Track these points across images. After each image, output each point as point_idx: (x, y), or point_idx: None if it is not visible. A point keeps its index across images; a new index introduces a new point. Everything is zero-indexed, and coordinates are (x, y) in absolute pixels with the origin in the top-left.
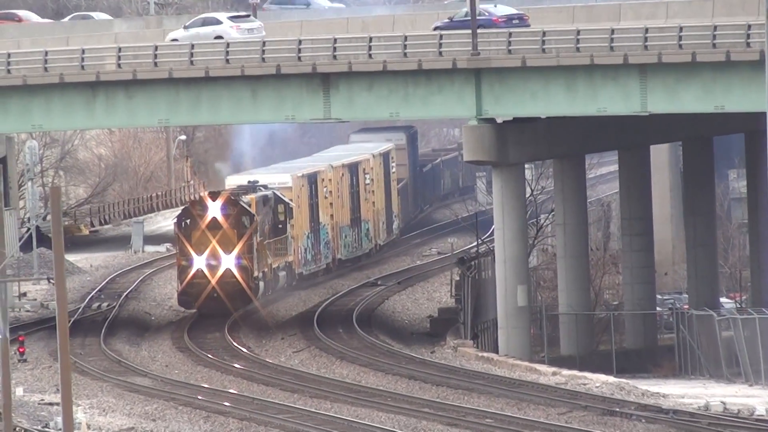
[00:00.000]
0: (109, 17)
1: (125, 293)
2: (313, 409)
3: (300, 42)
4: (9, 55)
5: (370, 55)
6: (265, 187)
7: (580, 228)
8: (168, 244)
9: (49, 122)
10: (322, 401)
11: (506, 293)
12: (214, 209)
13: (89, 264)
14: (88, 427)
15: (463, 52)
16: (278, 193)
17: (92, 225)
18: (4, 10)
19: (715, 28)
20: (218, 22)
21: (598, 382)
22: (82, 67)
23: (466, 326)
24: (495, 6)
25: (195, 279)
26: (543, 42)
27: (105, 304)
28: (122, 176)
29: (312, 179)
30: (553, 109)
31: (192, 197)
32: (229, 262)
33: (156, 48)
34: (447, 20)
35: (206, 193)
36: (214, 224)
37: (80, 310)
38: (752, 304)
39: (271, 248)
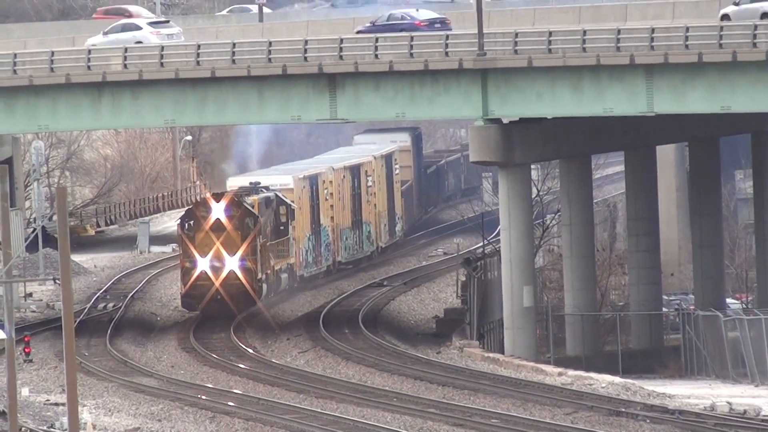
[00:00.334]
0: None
1: (131, 294)
2: (318, 410)
3: (306, 42)
4: (15, 55)
5: (376, 56)
6: (267, 188)
7: (586, 228)
8: (174, 245)
9: (55, 123)
10: (327, 401)
11: (512, 294)
12: (218, 211)
13: (95, 264)
14: (94, 427)
15: (469, 53)
16: (280, 194)
17: (98, 225)
18: (114, 6)
19: (722, 28)
20: (138, 28)
21: (604, 382)
22: (89, 67)
23: (472, 327)
24: (417, 10)
25: (198, 281)
26: (549, 42)
27: (111, 305)
28: (128, 177)
29: (313, 181)
30: (559, 109)
31: (196, 198)
32: (233, 263)
33: (162, 48)
34: (369, 24)
35: (210, 194)
36: (217, 226)
37: (86, 310)
38: (758, 305)
39: (274, 250)
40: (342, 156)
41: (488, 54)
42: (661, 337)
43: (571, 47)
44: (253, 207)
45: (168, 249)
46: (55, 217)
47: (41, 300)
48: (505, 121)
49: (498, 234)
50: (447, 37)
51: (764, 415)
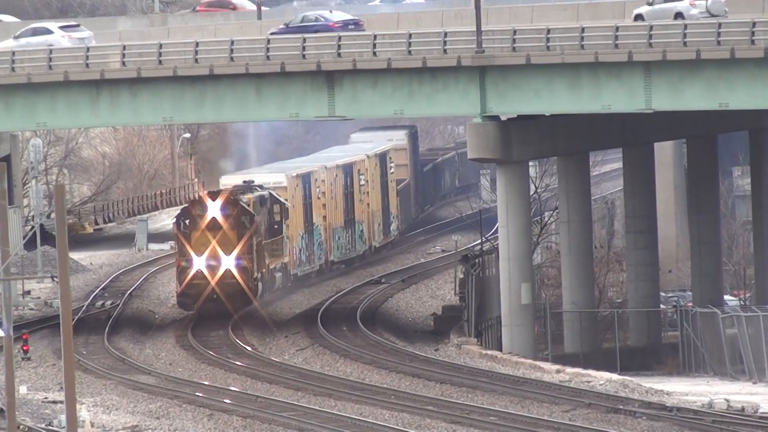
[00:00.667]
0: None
1: (129, 291)
2: (316, 407)
3: (304, 40)
4: (13, 53)
5: (374, 53)
6: (261, 187)
7: (584, 225)
8: (172, 242)
9: (53, 120)
10: (325, 399)
11: (510, 291)
12: (214, 209)
13: (93, 262)
14: (92, 425)
15: (467, 50)
16: (274, 193)
17: (96, 223)
18: None
19: (720, 25)
20: (49, 32)
21: (602, 379)
22: (87, 65)
23: (470, 324)
24: (330, 12)
25: (194, 280)
26: (547, 39)
27: (109, 302)
28: (126, 174)
29: (306, 180)
30: (557, 106)
31: (192, 197)
32: (228, 262)
33: (161, 46)
34: (282, 26)
35: (205, 192)
36: (213, 224)
37: (84, 308)
38: (756, 302)
39: (269, 249)
40: (336, 155)
41: (486, 51)
42: (659, 335)
43: (569, 44)
44: (248, 205)
45: (166, 246)
46: (53, 215)
47: (39, 298)
48: (503, 118)
49: (496, 231)
50: (445, 34)
51: (762, 412)
